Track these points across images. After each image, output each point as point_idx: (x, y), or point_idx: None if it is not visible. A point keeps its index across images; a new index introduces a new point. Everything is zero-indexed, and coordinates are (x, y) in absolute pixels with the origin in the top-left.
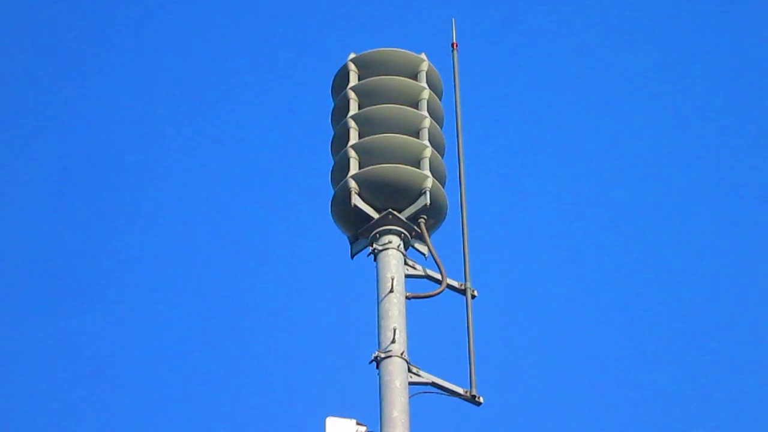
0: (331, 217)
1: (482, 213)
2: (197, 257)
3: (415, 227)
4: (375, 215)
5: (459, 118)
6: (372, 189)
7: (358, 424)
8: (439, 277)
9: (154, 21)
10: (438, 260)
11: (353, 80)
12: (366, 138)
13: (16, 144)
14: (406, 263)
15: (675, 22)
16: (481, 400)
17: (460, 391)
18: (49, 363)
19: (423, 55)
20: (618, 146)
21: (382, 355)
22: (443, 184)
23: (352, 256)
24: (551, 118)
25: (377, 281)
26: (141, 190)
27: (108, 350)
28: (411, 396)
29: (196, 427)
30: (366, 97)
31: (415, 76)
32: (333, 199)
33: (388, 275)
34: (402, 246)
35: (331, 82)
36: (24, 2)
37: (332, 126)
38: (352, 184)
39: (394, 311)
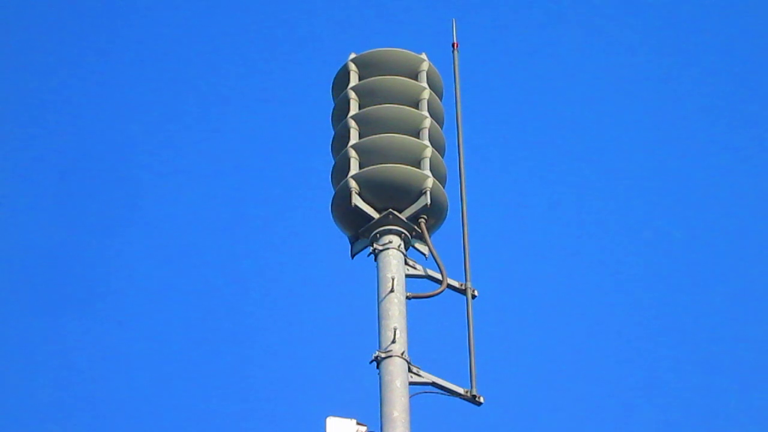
0: (331, 217)
1: (482, 213)
2: (197, 257)
3: (416, 227)
4: (375, 215)
5: (459, 118)
6: (372, 189)
7: (358, 424)
8: (439, 277)
9: (154, 21)
10: (438, 260)
11: (353, 80)
12: (366, 138)
13: (16, 144)
14: (406, 263)
15: (675, 22)
16: (482, 400)
17: (461, 391)
18: (49, 363)
19: (423, 55)
20: (619, 146)
21: (383, 355)
22: (443, 184)
23: (353, 256)
24: (551, 118)
25: (377, 281)
26: (140, 189)
27: (108, 350)
28: (411, 396)
29: (197, 427)
30: (366, 97)
31: (415, 76)
32: (333, 199)
33: (389, 275)
34: (402, 246)
35: (331, 82)
36: (24, 2)
37: (332, 126)
38: (353, 184)
39: (395, 311)
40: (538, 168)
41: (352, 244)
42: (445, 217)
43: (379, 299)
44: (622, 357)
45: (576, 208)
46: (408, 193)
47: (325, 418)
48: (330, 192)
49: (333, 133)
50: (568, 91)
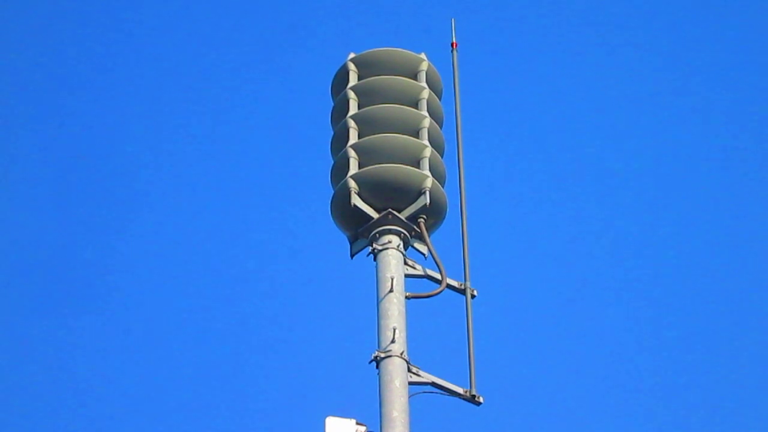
0: (330, 217)
1: (482, 213)
2: (197, 257)
3: (415, 227)
4: (375, 215)
5: (459, 118)
6: (372, 189)
7: (357, 424)
8: (438, 276)
9: (154, 20)
10: (438, 260)
11: (353, 80)
12: (366, 138)
13: (16, 144)
14: (405, 263)
15: (675, 22)
16: (481, 400)
17: (460, 391)
18: (49, 363)
19: (423, 55)
20: (618, 146)
21: (382, 355)
22: (443, 184)
23: (352, 256)
24: (551, 118)
25: (377, 281)
26: (141, 189)
27: (107, 350)
28: (411, 396)
29: (197, 427)
30: (366, 96)
31: (414, 76)
32: (333, 199)
33: (388, 275)
34: (402, 246)
35: (330, 82)
36: (24, 2)
37: (332, 126)
38: (352, 183)
39: (394, 311)
40: (538, 167)
41: (351, 243)
42: (445, 217)
43: (379, 299)
44: (622, 357)
45: (576, 208)
46: (407, 192)
47: (325, 418)
48: (329, 192)
49: (332, 132)
50: (567, 91)
